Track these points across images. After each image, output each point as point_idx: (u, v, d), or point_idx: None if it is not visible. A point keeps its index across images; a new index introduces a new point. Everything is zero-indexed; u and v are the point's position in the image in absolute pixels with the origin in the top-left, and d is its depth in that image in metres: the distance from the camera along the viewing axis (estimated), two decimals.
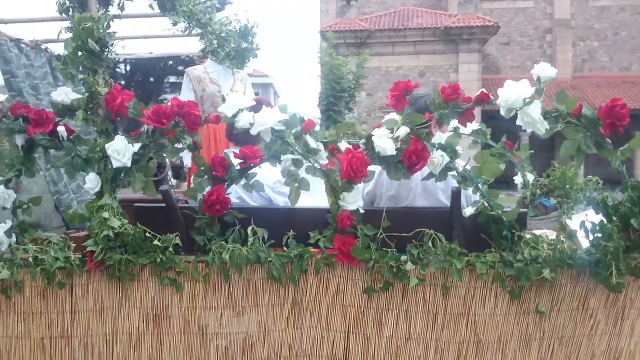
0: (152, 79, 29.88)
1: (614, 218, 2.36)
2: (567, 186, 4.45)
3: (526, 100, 2.35)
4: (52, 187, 4.57)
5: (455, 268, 2.42)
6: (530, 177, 4.46)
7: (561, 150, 2.41)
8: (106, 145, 2.54)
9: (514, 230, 2.46)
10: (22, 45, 4.61)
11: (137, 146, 2.57)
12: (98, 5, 2.72)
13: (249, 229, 2.62)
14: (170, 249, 2.61)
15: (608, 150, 2.39)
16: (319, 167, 2.47)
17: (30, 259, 2.68)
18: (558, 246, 2.36)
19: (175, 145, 2.62)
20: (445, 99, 2.37)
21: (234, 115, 2.45)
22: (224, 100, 2.54)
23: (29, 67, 4.64)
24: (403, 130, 2.39)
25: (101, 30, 2.59)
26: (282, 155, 2.50)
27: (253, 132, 2.45)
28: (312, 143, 2.46)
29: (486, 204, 2.46)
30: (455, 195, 2.49)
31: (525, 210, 2.70)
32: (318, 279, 2.58)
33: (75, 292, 2.73)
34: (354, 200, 2.46)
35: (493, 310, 2.47)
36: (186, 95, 4.84)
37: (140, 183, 2.61)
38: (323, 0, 28.91)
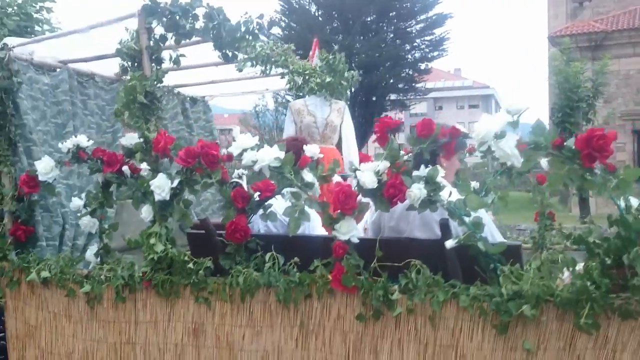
0: (374, 98, 31.10)
1: (601, 254, 2.31)
2: None
3: (498, 134, 2.43)
4: None
5: (437, 300, 2.56)
6: (635, 202, 4.23)
7: (548, 183, 2.44)
8: (150, 182, 3.14)
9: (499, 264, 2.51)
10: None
11: (176, 182, 3.14)
12: (152, 64, 3.35)
13: (267, 255, 3.01)
14: (202, 271, 3.11)
15: (597, 183, 2.36)
16: (315, 200, 2.79)
17: (102, 277, 3.39)
18: (536, 282, 2.37)
19: (207, 181, 3.12)
20: (419, 135, 2.55)
21: (240, 154, 2.89)
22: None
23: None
24: (383, 165, 2.62)
25: (150, 86, 3.21)
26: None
27: (256, 168, 2.86)
28: (307, 177, 2.80)
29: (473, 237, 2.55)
30: (444, 227, 2.64)
31: (518, 243, 2.72)
32: (321, 304, 2.89)
33: (137, 306, 3.37)
34: (347, 231, 2.74)
35: (480, 344, 2.56)
36: (288, 127, 5.42)
37: (178, 214, 3.17)
38: (551, 4, 27.71)
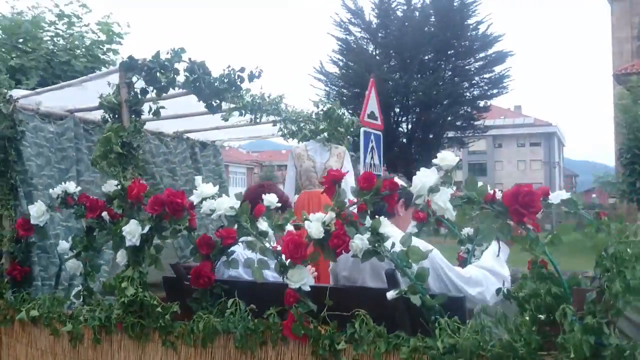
0: (431, 136, 30.98)
1: (532, 310, 2.29)
2: None
3: (433, 188, 2.46)
4: (180, 252, 5.54)
5: (377, 351, 2.57)
6: None
7: (480, 236, 2.45)
8: (123, 228, 3.26)
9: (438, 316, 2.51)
10: (162, 137, 5.78)
11: (146, 228, 3.25)
12: (131, 116, 3.51)
13: (230, 301, 3.07)
14: (168, 315, 3.19)
15: (528, 238, 2.35)
16: (269, 247, 2.85)
17: (81, 318, 3.51)
18: (468, 335, 2.36)
19: (175, 227, 3.22)
20: (361, 187, 2.60)
21: (200, 202, 2.99)
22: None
23: (168, 154, 5.80)
24: (329, 216, 2.67)
25: (127, 137, 3.37)
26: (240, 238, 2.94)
27: (214, 217, 2.95)
28: (262, 226, 2.87)
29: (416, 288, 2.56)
30: (389, 277, 2.65)
31: (460, 296, 2.71)
32: (275, 352, 2.92)
33: (113, 347, 3.47)
34: (298, 280, 2.77)
35: None
36: (289, 171, 5.53)
37: (149, 258, 3.28)
38: (615, 42, 27.35)
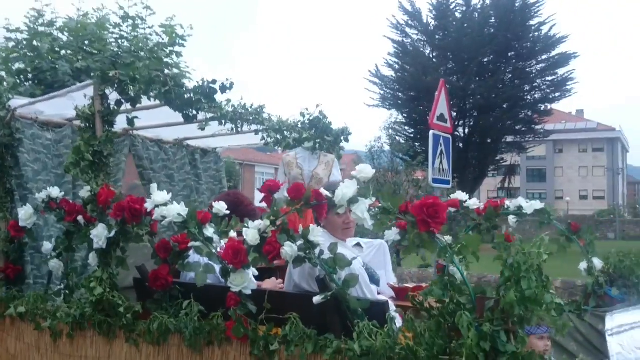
0: (489, 140, 30.04)
1: (437, 316, 2.40)
2: (634, 277, 3.93)
3: (352, 199, 2.59)
4: None
5: (303, 352, 2.71)
6: (598, 264, 4.15)
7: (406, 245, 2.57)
8: (91, 232, 3.49)
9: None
10: (162, 144, 6.03)
11: (112, 232, 3.46)
12: (104, 126, 3.74)
13: (185, 303, 3.25)
14: (130, 315, 3.39)
15: (439, 247, 2.46)
16: (215, 253, 3.02)
17: (58, 315, 3.75)
18: (379, 338, 2.48)
19: (138, 232, 3.42)
20: (290, 197, 2.75)
21: (153, 209, 3.18)
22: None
23: (167, 161, 6.05)
24: (264, 224, 2.83)
25: (99, 146, 3.59)
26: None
27: (165, 223, 3.14)
28: (208, 232, 3.04)
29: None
30: (320, 282, 2.78)
31: (383, 300, 2.82)
32: (221, 351, 3.09)
33: (87, 342, 3.70)
34: (239, 283, 2.94)
35: None
36: (280, 178, 5.68)
37: (115, 260, 3.49)
38: None
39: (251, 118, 4.68)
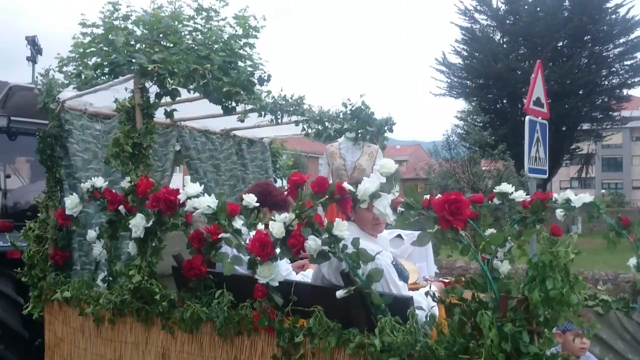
0: (564, 128, 29.22)
1: (459, 314, 2.34)
2: None
3: (374, 194, 2.55)
4: None
5: (327, 345, 2.70)
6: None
7: (417, 240, 2.52)
8: (130, 222, 3.58)
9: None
10: (209, 135, 6.13)
11: (150, 222, 3.55)
12: (144, 118, 3.81)
13: (217, 293, 3.30)
14: (165, 302, 3.47)
15: (462, 244, 2.40)
16: (243, 244, 3.05)
17: (100, 301, 3.88)
18: (402, 335, 2.44)
19: (174, 222, 3.49)
20: (314, 192, 2.73)
21: (185, 201, 3.23)
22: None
23: (213, 151, 6.14)
24: (290, 217, 2.83)
25: (138, 138, 3.68)
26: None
27: (196, 214, 3.19)
28: (237, 224, 3.07)
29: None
30: (344, 277, 2.76)
31: (407, 296, 2.77)
32: (250, 340, 3.12)
33: (127, 328, 3.81)
34: (266, 275, 2.95)
35: None
36: (323, 169, 5.67)
37: (151, 249, 3.57)
38: None
39: (291, 109, 4.68)
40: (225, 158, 6.28)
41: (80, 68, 12.32)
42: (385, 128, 5.61)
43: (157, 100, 3.89)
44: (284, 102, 4.63)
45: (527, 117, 6.81)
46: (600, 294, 4.13)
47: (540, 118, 7.12)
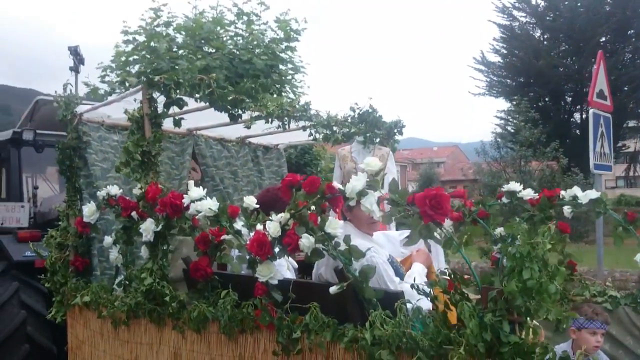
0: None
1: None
2: None
3: (361, 191, 2.63)
4: None
5: (322, 340, 2.78)
6: None
7: (408, 239, 2.59)
8: (140, 226, 3.73)
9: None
10: (225, 143, 6.28)
11: (160, 226, 3.68)
12: (152, 127, 3.96)
13: (223, 292, 3.41)
14: (175, 303, 3.60)
15: (445, 239, 2.46)
16: (244, 245, 3.16)
17: (116, 303, 4.02)
18: (389, 327, 2.51)
19: (182, 225, 3.62)
20: (306, 192, 2.82)
21: (189, 204, 3.36)
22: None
23: (230, 158, 6.30)
24: (285, 217, 2.92)
25: (147, 146, 3.83)
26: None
27: (199, 217, 3.31)
28: (237, 226, 3.18)
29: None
30: (338, 274, 2.84)
31: (398, 291, 2.82)
32: (253, 338, 3.22)
33: (142, 329, 3.95)
34: (266, 274, 3.05)
35: None
36: (336, 173, 5.76)
37: (162, 252, 3.71)
38: None
39: (298, 115, 4.78)
40: (241, 165, 6.43)
41: (124, 75, 12.49)
42: (395, 131, 5.67)
43: (165, 110, 4.03)
44: (290, 108, 4.74)
45: (590, 111, 6.56)
46: (609, 290, 4.12)
47: (604, 111, 6.85)
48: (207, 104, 4.21)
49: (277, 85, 12.50)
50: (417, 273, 3.23)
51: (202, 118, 5.11)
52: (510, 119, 28.81)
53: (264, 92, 4.74)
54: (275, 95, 11.75)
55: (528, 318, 2.29)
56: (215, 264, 3.69)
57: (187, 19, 13.04)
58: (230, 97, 4.10)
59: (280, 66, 13.10)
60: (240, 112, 4.27)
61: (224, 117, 4.62)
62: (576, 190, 4.51)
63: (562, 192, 4.60)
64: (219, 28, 13.02)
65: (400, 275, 3.20)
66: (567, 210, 4.49)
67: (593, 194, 4.40)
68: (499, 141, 25.46)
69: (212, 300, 3.47)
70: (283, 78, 12.98)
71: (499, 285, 2.37)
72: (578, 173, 21.06)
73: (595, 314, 3.51)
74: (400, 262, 3.52)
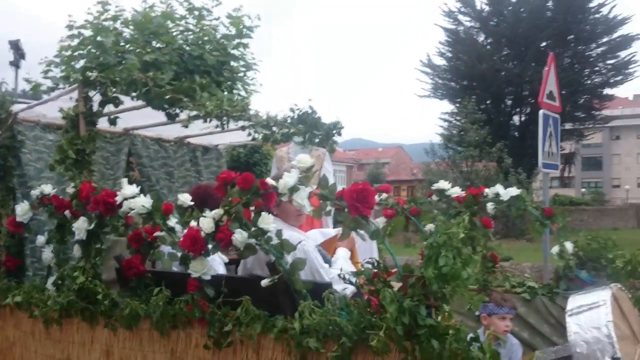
0: None
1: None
2: (603, 260, 3.92)
3: (293, 187, 2.73)
4: None
5: (252, 332, 2.85)
6: (569, 247, 4.20)
7: (341, 235, 2.69)
8: (73, 225, 3.70)
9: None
10: (162, 143, 6.25)
11: (92, 225, 3.67)
12: (87, 126, 3.94)
13: (156, 290, 3.42)
14: (107, 301, 3.58)
15: (371, 229, 2.57)
16: (177, 241, 3.19)
17: (49, 303, 3.97)
18: (316, 316, 2.60)
19: (115, 224, 3.62)
20: (240, 188, 2.89)
21: (122, 202, 3.37)
22: None
23: (167, 158, 6.27)
24: (219, 213, 2.98)
25: (81, 145, 3.80)
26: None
27: (132, 214, 3.33)
28: (171, 223, 3.21)
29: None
30: (270, 267, 2.92)
31: (326, 282, 2.93)
32: (185, 333, 3.25)
33: (74, 328, 3.91)
34: (198, 270, 3.09)
35: None
36: (272, 173, 5.82)
37: (94, 251, 3.69)
38: None
39: (237, 115, 4.83)
40: (178, 165, 6.41)
41: (69, 70, 11.97)
42: (334, 132, 5.78)
43: (100, 109, 4.02)
44: (229, 108, 4.78)
45: (540, 111, 6.71)
46: (527, 281, 4.34)
47: (553, 112, 7.06)
48: (144, 102, 4.21)
49: (228, 82, 12.44)
50: (342, 257, 3.37)
51: (140, 117, 5.09)
52: (454, 121, 29.50)
53: (216, 88, 4.78)
54: (226, 92, 11.70)
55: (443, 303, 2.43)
56: (151, 263, 3.71)
57: (135, 13, 12.74)
58: (168, 96, 4.11)
59: (232, 63, 12.99)
60: (178, 111, 4.29)
61: (162, 116, 4.64)
62: (498, 188, 4.74)
63: (486, 190, 4.84)
64: (169, 22, 12.77)
65: (328, 262, 3.32)
66: (490, 206, 4.72)
67: (514, 191, 4.64)
68: (447, 141, 25.86)
69: (145, 297, 3.48)
70: (235, 75, 12.93)
71: (419, 273, 2.51)
72: (521, 173, 21.84)
73: (504, 300, 3.75)
74: (324, 246, 3.64)
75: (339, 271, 2.99)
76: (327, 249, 3.55)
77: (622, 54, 28.91)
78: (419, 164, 30.11)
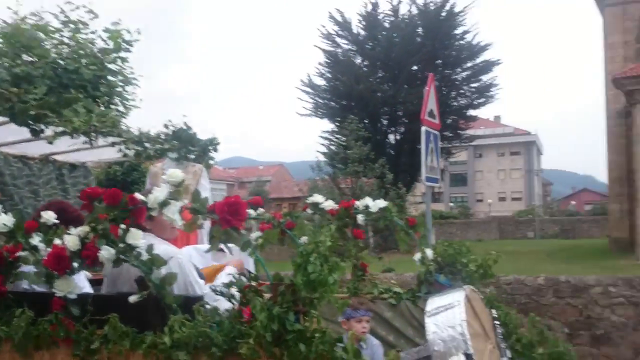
0: (419, 146, 30.16)
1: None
2: (458, 264, 4.28)
3: (164, 202, 2.72)
4: None
5: (121, 348, 2.79)
6: (429, 253, 4.46)
7: (210, 247, 2.71)
8: None
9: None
10: (26, 160, 5.92)
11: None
12: None
13: (18, 311, 3.23)
14: None
15: (242, 240, 2.62)
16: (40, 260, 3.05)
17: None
18: (187, 330, 2.60)
19: None
20: (107, 204, 2.83)
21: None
22: None
23: (31, 177, 5.96)
24: (85, 230, 2.89)
25: None
26: None
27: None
28: (34, 241, 3.08)
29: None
30: (139, 283, 2.87)
31: (198, 295, 2.96)
32: (49, 354, 3.10)
33: None
34: (64, 289, 2.97)
35: None
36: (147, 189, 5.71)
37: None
38: (608, 48, 24.06)
39: (106, 130, 4.70)
40: (44, 183, 6.10)
41: None
42: (210, 148, 5.78)
43: None
44: (98, 123, 4.65)
45: (423, 128, 7.06)
46: (393, 287, 4.60)
47: (433, 129, 7.45)
48: (7, 118, 4.01)
49: (106, 97, 12.05)
50: (226, 273, 3.39)
51: (2, 133, 4.82)
52: (334, 139, 30.51)
53: (92, 103, 4.63)
54: (103, 108, 11.31)
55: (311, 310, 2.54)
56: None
57: (5, 25, 12.02)
58: (33, 112, 3.94)
59: (110, 77, 12.67)
60: (43, 127, 4.11)
61: (27, 133, 4.41)
62: (367, 200, 4.99)
63: (357, 202, 5.07)
64: (42, 35, 12.16)
65: (201, 276, 3.33)
66: (360, 218, 4.96)
67: (382, 203, 4.91)
68: (331, 158, 26.99)
69: (5, 319, 3.29)
70: (112, 90, 12.58)
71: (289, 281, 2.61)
72: (401, 187, 22.98)
73: (360, 304, 4.00)
74: (214, 270, 3.65)
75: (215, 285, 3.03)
76: (216, 272, 3.55)
77: (484, 77, 31.41)
78: (299, 181, 30.78)
